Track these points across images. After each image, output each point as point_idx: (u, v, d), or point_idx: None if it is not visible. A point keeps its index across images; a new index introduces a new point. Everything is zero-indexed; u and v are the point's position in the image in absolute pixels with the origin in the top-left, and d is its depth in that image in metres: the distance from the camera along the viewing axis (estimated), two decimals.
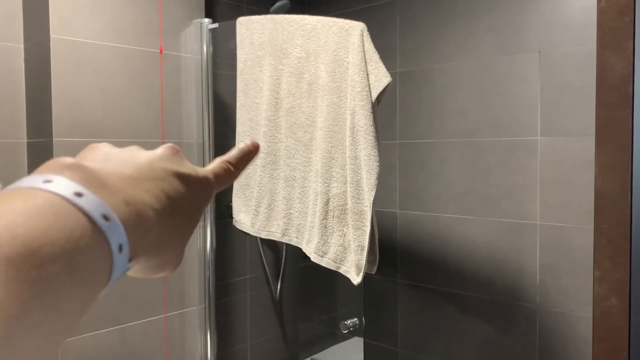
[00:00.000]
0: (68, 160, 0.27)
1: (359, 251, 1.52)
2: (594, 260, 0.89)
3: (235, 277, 2.48)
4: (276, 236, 1.79)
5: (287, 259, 2.69)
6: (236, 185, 1.95)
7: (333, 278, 2.86)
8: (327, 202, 1.59)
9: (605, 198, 0.83)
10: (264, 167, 1.80)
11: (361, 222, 1.51)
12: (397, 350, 2.56)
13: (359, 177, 1.51)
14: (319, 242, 1.61)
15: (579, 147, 1.96)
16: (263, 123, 1.79)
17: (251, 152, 0.40)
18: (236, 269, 2.45)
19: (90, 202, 0.25)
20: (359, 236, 1.52)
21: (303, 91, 1.68)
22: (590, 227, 1.95)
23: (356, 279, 1.54)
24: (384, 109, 2.52)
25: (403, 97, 2.47)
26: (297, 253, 2.64)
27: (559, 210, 2.02)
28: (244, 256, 2.49)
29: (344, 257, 1.58)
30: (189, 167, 0.34)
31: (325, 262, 1.61)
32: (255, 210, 1.85)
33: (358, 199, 1.51)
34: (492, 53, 2.17)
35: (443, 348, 2.39)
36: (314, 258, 1.63)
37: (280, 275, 2.68)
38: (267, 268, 2.60)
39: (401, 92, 2.48)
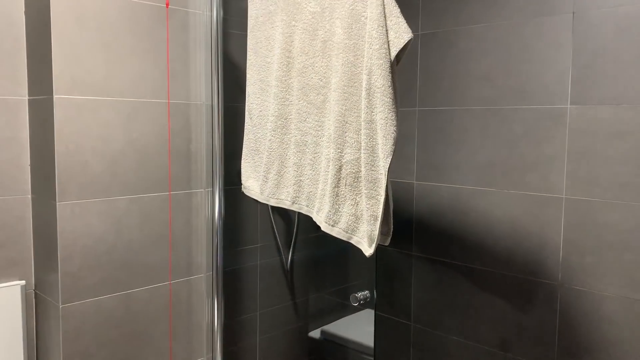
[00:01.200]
0: None
1: (372, 221, 1.42)
2: None
3: (245, 246, 2.42)
4: (285, 204, 1.71)
5: (298, 228, 2.61)
6: (245, 150, 1.86)
7: (345, 249, 2.79)
8: (339, 169, 1.49)
9: None
10: (274, 131, 1.71)
11: (375, 190, 1.41)
12: (410, 324, 2.49)
13: (374, 143, 1.40)
14: (330, 211, 1.52)
15: (612, 116, 1.83)
16: (274, 84, 1.69)
17: None
18: (246, 237, 2.38)
19: None
20: (372, 205, 1.42)
21: (317, 49, 1.56)
22: (620, 202, 1.83)
23: (368, 250, 1.45)
24: (404, 74, 2.39)
25: (424, 62, 2.34)
26: (309, 223, 2.56)
27: (587, 184, 1.90)
28: (254, 224, 2.41)
29: (356, 227, 1.49)
30: None
31: (336, 232, 1.52)
32: (265, 176, 1.76)
33: (373, 166, 1.41)
34: (522, 14, 2.02)
35: (458, 324, 2.31)
36: (325, 227, 1.54)
37: (292, 244, 2.61)
38: (278, 237, 2.53)
39: (422, 56, 2.34)
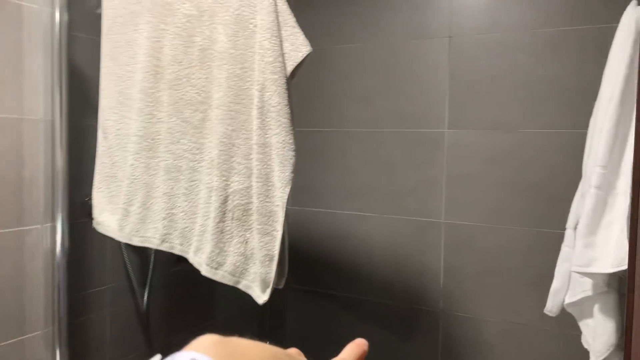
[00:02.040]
0: (215, 338, 0.30)
1: (267, 262, 1.21)
2: (628, 267, 0.69)
3: (91, 289, 2.02)
4: (153, 243, 1.42)
5: (156, 263, 2.28)
6: (98, 177, 1.53)
7: (210, 283, 2.50)
8: (224, 200, 1.26)
9: None
10: (137, 154, 1.41)
11: (270, 225, 1.21)
12: None
13: (268, 170, 1.20)
14: (212, 251, 1.27)
15: (488, 141, 1.85)
16: (137, 97, 1.40)
17: (364, 352, 0.40)
18: (93, 278, 2.00)
19: None
20: (267, 243, 1.21)
21: (193, 58, 1.32)
22: (497, 227, 1.84)
23: (261, 296, 1.23)
24: None
25: (297, 80, 2.19)
26: (167, 255, 2.25)
27: (465, 208, 1.90)
28: (102, 262, 2.03)
29: (246, 269, 1.27)
30: None
31: (221, 276, 1.28)
32: (125, 209, 1.44)
33: (267, 196, 1.20)
34: (399, 36, 1.98)
35: None
36: (206, 271, 1.29)
37: (148, 282, 2.27)
38: (132, 275, 2.17)
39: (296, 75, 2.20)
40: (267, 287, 1.22)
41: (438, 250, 1.95)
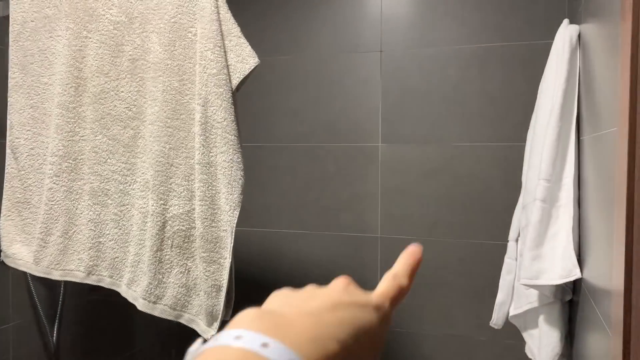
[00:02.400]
0: (255, 312, 0.29)
1: (214, 293, 1.11)
2: None
3: None
4: (78, 276, 1.25)
5: (67, 292, 2.06)
6: (7, 203, 1.33)
7: (129, 309, 2.31)
8: (162, 226, 1.14)
9: None
10: (56, 176, 1.25)
11: (217, 252, 1.10)
12: None
13: (214, 192, 1.10)
14: (150, 283, 1.14)
15: (421, 154, 1.85)
16: (55, 113, 1.24)
17: (419, 260, 0.39)
18: None
19: (276, 350, 0.26)
20: (213, 272, 1.11)
21: (122, 70, 1.19)
22: (432, 240, 1.85)
23: (208, 330, 1.12)
24: None
25: None
26: (77, 284, 2.04)
27: (401, 222, 1.89)
28: (4, 297, 1.80)
29: (188, 302, 1.15)
30: (364, 296, 0.34)
31: (160, 310, 1.16)
32: (42, 239, 1.27)
33: (213, 220, 1.10)
34: (331, 49, 1.94)
35: None
36: (142, 305, 1.16)
37: (58, 316, 2.04)
38: (40, 309, 1.94)
39: None
40: (215, 320, 1.11)
41: (375, 266, 1.92)
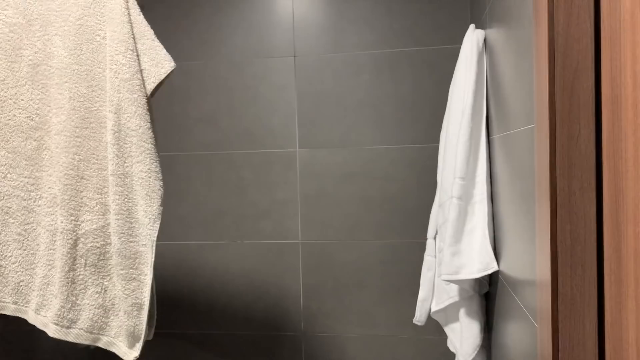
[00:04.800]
0: None
1: (135, 312, 1.04)
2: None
3: None
4: None
5: None
6: None
7: (34, 335, 2.12)
8: (74, 244, 1.05)
9: None
10: None
11: (136, 269, 1.04)
12: None
13: (130, 204, 1.03)
14: (62, 307, 1.05)
15: (339, 158, 1.87)
16: None
17: None
18: None
19: None
20: (133, 290, 1.04)
21: (22, 76, 1.09)
22: (352, 242, 1.87)
23: (130, 352, 1.05)
24: None
25: None
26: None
27: (321, 227, 1.89)
28: None
29: (106, 324, 1.07)
30: None
31: (75, 335, 1.07)
32: None
33: (130, 235, 1.03)
34: (243, 54, 1.91)
35: None
36: (54, 331, 1.07)
37: None
38: None
39: None
40: (137, 340, 1.04)
41: (297, 272, 1.91)
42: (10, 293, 1.12)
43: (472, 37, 1.37)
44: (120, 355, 1.06)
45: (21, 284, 1.11)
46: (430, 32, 1.80)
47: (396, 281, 1.86)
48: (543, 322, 0.72)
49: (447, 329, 1.49)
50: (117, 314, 1.06)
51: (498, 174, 1.25)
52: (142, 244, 1.03)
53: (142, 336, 1.04)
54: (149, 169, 1.02)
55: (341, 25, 1.85)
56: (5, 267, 1.12)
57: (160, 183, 1.03)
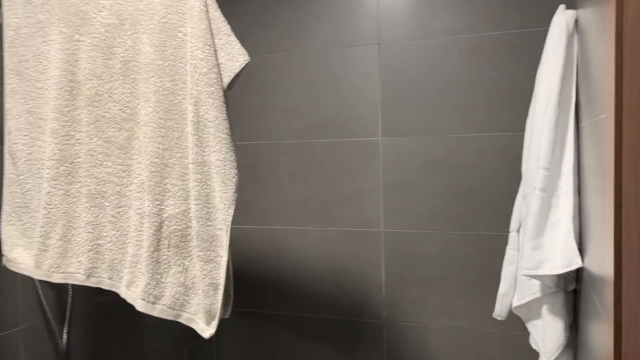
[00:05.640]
0: None
1: (211, 291, 1.11)
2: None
3: (1, 332, 1.81)
4: (78, 278, 1.26)
5: (75, 296, 2.08)
6: (7, 209, 1.35)
7: (137, 312, 2.33)
8: (159, 227, 1.14)
9: None
10: (54, 180, 1.25)
11: (213, 251, 1.11)
12: None
13: (208, 190, 1.10)
14: (148, 284, 1.15)
15: (422, 147, 1.84)
16: (51, 117, 1.24)
17: None
18: (3, 320, 1.78)
19: None
20: (210, 271, 1.11)
21: (115, 72, 1.19)
22: (435, 232, 1.83)
23: (207, 329, 1.12)
24: None
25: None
26: (87, 286, 2.06)
27: (404, 216, 1.88)
28: (13, 301, 1.82)
29: (186, 301, 1.15)
30: None
31: (159, 311, 1.16)
32: (42, 243, 1.28)
33: (208, 219, 1.10)
34: (327, 44, 1.93)
35: None
36: (141, 306, 1.16)
37: (67, 318, 2.06)
38: (48, 312, 1.96)
39: None
40: (213, 318, 1.11)
41: (379, 260, 1.92)
42: (105, 269, 1.23)
43: (561, 19, 1.28)
44: (198, 332, 1.13)
45: (115, 261, 1.22)
46: (517, 14, 1.71)
47: (481, 274, 1.80)
48: (608, 322, 0.68)
49: (529, 326, 1.43)
50: (196, 293, 1.14)
51: (586, 164, 1.17)
52: (219, 228, 1.10)
53: (218, 314, 1.10)
54: (224, 157, 1.08)
55: (426, 11, 1.81)
56: (102, 245, 1.23)
57: (235, 171, 1.08)
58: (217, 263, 1.10)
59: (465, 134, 1.79)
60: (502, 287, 1.46)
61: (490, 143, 1.76)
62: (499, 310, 1.47)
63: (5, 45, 1.31)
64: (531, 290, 1.33)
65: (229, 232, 1.09)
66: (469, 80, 1.78)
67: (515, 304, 1.40)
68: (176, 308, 1.15)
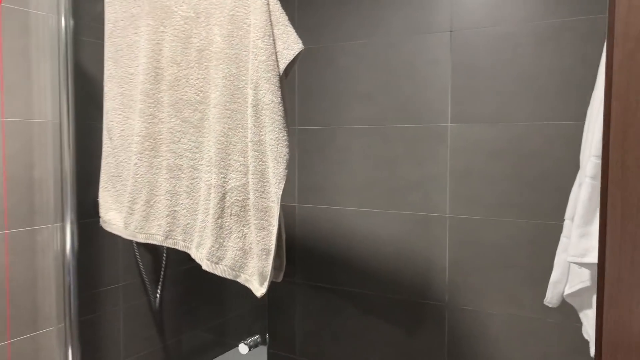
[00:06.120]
0: None
1: (264, 256, 1.24)
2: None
3: (104, 287, 2.09)
4: (157, 239, 1.46)
5: (168, 261, 2.34)
6: (104, 177, 1.57)
7: (221, 281, 2.55)
8: (223, 197, 1.29)
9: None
10: (140, 153, 1.45)
11: (266, 220, 1.24)
12: (295, 358, 2.33)
13: (263, 167, 1.23)
14: (212, 246, 1.31)
15: (490, 134, 1.85)
16: (139, 99, 1.44)
17: None
18: (106, 276, 2.06)
19: None
20: (263, 238, 1.24)
21: (191, 59, 1.36)
22: (500, 220, 1.84)
23: (260, 289, 1.26)
24: None
25: (303, 79, 2.22)
26: (179, 254, 2.30)
27: (469, 202, 1.90)
28: (115, 261, 2.09)
29: (244, 264, 1.30)
30: None
31: (221, 270, 1.32)
32: (130, 207, 1.49)
33: (262, 192, 1.23)
34: (401, 32, 1.99)
35: (346, 352, 2.19)
36: (207, 266, 1.33)
37: (161, 280, 2.32)
38: (144, 273, 2.23)
39: (300, 73, 2.23)
40: (265, 280, 1.24)
41: (443, 245, 1.96)
42: (180, 232, 1.41)
43: None
44: (253, 291, 1.27)
45: (187, 226, 1.39)
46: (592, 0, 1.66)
47: (546, 263, 1.79)
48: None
49: (581, 315, 1.42)
50: (252, 257, 1.28)
51: None
52: (271, 200, 1.23)
53: (269, 277, 1.24)
54: (277, 137, 1.20)
55: None
56: (177, 212, 1.41)
57: (287, 150, 1.20)
58: (269, 231, 1.23)
59: (534, 121, 1.77)
60: (554, 275, 1.46)
61: (561, 131, 1.73)
62: (550, 298, 1.47)
63: (105, 36, 1.52)
64: (581, 279, 1.33)
65: (279, 204, 1.21)
66: (540, 67, 1.76)
67: (566, 292, 1.40)
68: (235, 269, 1.30)
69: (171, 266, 2.35)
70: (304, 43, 2.21)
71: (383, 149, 2.05)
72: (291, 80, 2.23)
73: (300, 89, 2.22)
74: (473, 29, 1.86)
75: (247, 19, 1.25)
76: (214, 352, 2.68)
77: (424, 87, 1.96)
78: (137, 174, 1.46)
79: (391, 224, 2.05)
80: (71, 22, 1.61)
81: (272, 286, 2.35)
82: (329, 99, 2.14)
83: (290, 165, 2.25)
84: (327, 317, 2.22)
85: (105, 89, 1.54)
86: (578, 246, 1.23)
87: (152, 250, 2.25)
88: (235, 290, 2.54)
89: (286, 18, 1.23)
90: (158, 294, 2.30)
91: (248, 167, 1.26)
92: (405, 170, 2.01)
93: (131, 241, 2.06)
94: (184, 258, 2.31)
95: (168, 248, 2.24)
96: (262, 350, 2.42)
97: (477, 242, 1.89)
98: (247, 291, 2.48)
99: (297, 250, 2.28)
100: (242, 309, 2.70)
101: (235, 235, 1.29)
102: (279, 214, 1.22)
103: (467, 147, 1.89)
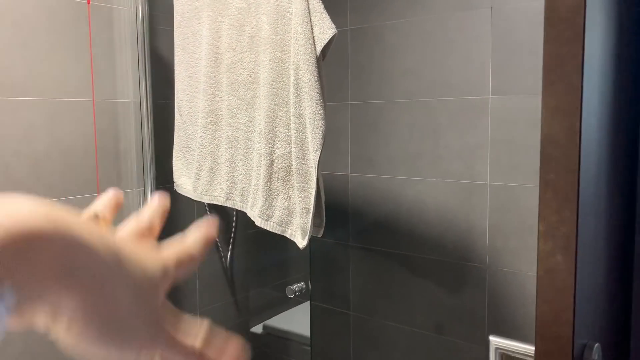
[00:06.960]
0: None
1: (305, 214, 1.45)
2: (538, 215, 0.85)
3: None
4: (219, 200, 1.70)
5: (237, 224, 2.61)
6: (177, 147, 1.84)
7: (284, 244, 2.81)
8: (271, 164, 1.51)
9: (552, 145, 0.77)
10: (204, 127, 1.70)
11: (306, 183, 1.44)
12: (349, 313, 2.55)
13: (303, 137, 1.43)
14: (263, 206, 1.53)
15: (529, 106, 1.94)
16: (203, 80, 1.68)
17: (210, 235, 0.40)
18: (181, 234, 2.35)
19: None
20: (304, 198, 1.45)
21: (244, 45, 1.57)
22: (537, 186, 1.94)
23: (302, 242, 1.47)
24: (335, 69, 2.43)
25: (354, 56, 2.39)
26: (247, 219, 2.57)
27: (509, 170, 2.01)
28: (189, 221, 2.38)
29: (290, 221, 1.51)
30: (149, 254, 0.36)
31: (270, 226, 1.54)
32: (197, 173, 1.74)
33: (303, 159, 1.43)
34: (444, 9, 2.10)
35: (394, 309, 2.38)
36: (259, 222, 1.56)
37: (231, 241, 2.61)
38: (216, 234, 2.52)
39: (352, 51, 2.39)
40: (306, 235, 1.45)
41: (484, 211, 2.08)
42: (238, 195, 1.65)
43: None
44: (297, 244, 1.49)
45: (243, 189, 1.63)
46: None
47: None
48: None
49: None
50: (296, 215, 1.49)
51: None
52: (310, 166, 1.43)
53: (309, 232, 1.44)
54: (314, 111, 1.39)
55: None
56: (235, 177, 1.65)
57: (323, 122, 1.39)
58: (309, 193, 1.44)
59: None
60: None
61: None
62: None
63: (175, 26, 1.77)
64: None
65: (317, 169, 1.41)
66: None
67: None
68: (282, 225, 1.52)
69: (240, 229, 2.63)
70: (354, 23, 2.36)
71: (428, 121, 2.18)
72: (344, 59, 2.40)
73: (352, 67, 2.38)
74: (513, 5, 1.94)
75: (289, 8, 1.44)
76: (278, 308, 2.95)
77: (466, 62, 2.06)
78: (202, 145, 1.71)
79: (435, 190, 2.20)
80: (147, 13, 1.87)
81: (329, 249, 2.57)
82: (378, 75, 2.30)
83: (343, 138, 2.44)
84: (377, 277, 2.41)
85: (176, 72, 1.79)
86: None
87: (223, 213, 2.53)
88: (297, 254, 2.79)
89: (322, 6, 1.40)
90: (228, 253, 2.59)
91: (291, 137, 1.47)
92: (448, 140, 2.14)
93: (204, 205, 2.33)
94: (251, 223, 2.58)
95: (237, 212, 2.51)
96: (321, 307, 2.66)
97: (516, 207, 2.00)
98: (306, 255, 2.72)
99: (350, 216, 2.48)
100: (304, 270, 2.94)
101: (281, 196, 1.51)
102: (317, 178, 1.42)
103: (507, 117, 1.99)
